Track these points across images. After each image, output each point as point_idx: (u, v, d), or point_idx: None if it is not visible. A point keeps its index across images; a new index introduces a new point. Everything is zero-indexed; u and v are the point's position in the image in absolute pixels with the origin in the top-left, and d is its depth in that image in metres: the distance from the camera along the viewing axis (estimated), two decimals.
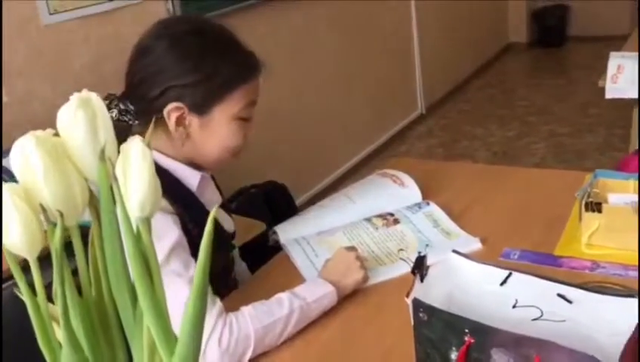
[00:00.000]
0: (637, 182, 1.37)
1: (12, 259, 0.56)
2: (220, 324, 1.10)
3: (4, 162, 1.66)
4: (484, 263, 1.04)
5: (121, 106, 1.20)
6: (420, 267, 1.01)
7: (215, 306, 1.11)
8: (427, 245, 1.41)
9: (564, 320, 0.93)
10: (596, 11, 6.36)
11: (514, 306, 0.97)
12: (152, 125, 0.69)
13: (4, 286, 1.08)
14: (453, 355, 0.89)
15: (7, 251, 0.56)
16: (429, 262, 1.03)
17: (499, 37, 6.54)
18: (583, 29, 6.45)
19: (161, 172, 1.20)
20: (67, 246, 0.57)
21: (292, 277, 1.35)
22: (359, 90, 4.06)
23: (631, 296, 0.91)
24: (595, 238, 1.32)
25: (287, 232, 1.53)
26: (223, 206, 1.44)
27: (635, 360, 0.83)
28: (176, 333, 0.59)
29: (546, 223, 1.45)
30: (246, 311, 1.14)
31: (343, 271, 1.28)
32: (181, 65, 1.19)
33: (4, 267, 0.63)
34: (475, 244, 1.39)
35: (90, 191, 0.60)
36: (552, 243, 1.36)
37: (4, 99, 2.11)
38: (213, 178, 1.41)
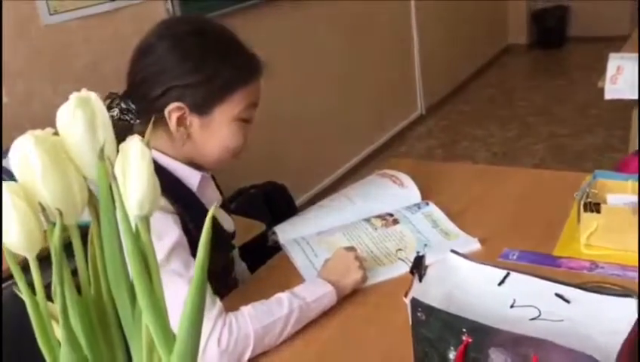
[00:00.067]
0: (635, 182, 1.37)
1: (12, 258, 0.57)
2: (219, 324, 1.10)
3: (4, 162, 1.67)
4: (483, 263, 1.05)
5: (123, 105, 1.21)
6: (418, 267, 1.01)
7: (215, 306, 1.12)
8: (426, 245, 1.41)
9: (561, 320, 0.93)
10: (596, 12, 6.36)
11: (512, 306, 0.97)
12: (150, 125, 0.69)
13: (4, 285, 1.08)
14: (452, 355, 0.90)
15: (6, 250, 0.57)
16: (427, 262, 1.03)
17: (499, 38, 6.54)
18: (582, 29, 6.45)
19: (162, 171, 1.21)
20: (67, 248, 0.57)
21: (291, 277, 1.35)
22: (359, 91, 4.06)
23: (628, 295, 0.91)
24: (593, 239, 1.32)
25: (286, 232, 1.53)
26: (223, 206, 1.44)
27: (632, 360, 0.84)
28: (176, 333, 0.59)
29: (545, 224, 1.45)
30: (245, 310, 1.14)
31: (342, 271, 1.28)
32: (182, 66, 1.20)
33: (4, 266, 0.63)
34: (474, 245, 1.39)
35: (90, 191, 0.60)
36: (551, 243, 1.37)
37: (4, 99, 2.11)
38: (213, 178, 1.42)
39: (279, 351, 1.16)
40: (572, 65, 6.29)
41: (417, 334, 0.94)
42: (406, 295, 0.97)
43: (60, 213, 0.55)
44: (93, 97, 0.59)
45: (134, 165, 0.56)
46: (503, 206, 1.57)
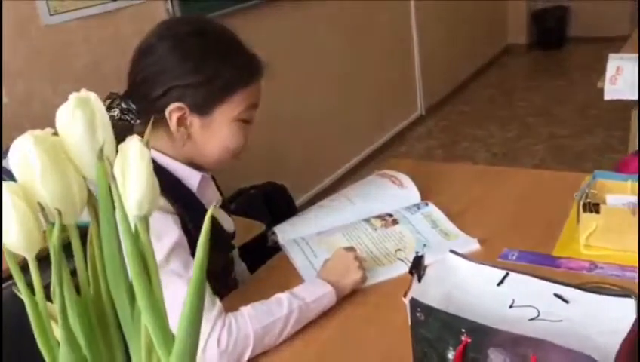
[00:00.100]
0: (635, 183, 1.37)
1: (11, 258, 0.57)
2: (219, 324, 1.10)
3: (4, 162, 1.67)
4: (482, 263, 1.05)
5: (123, 105, 1.21)
6: (417, 267, 1.01)
7: (215, 306, 1.12)
8: (425, 245, 1.41)
9: (560, 320, 0.93)
10: (596, 12, 6.35)
11: (511, 306, 0.97)
12: (150, 125, 0.69)
13: (4, 285, 1.08)
14: (450, 355, 0.90)
15: (6, 250, 0.57)
16: (426, 262, 1.03)
17: (498, 38, 6.54)
18: (582, 30, 6.45)
19: (162, 172, 1.21)
20: (66, 248, 0.57)
21: (291, 278, 1.35)
22: (359, 91, 4.06)
23: (627, 296, 0.91)
24: (593, 239, 1.32)
25: (286, 233, 1.53)
26: (223, 206, 1.44)
27: (631, 360, 0.84)
28: (175, 333, 0.59)
29: (544, 224, 1.45)
30: (245, 311, 1.14)
31: (342, 271, 1.28)
32: (183, 66, 1.20)
33: (3, 266, 0.63)
34: (473, 245, 1.39)
35: (89, 191, 0.60)
36: (550, 244, 1.37)
37: (4, 99, 2.11)
38: (213, 178, 1.42)
39: (279, 351, 1.16)
40: (572, 66, 6.29)
41: (416, 334, 0.94)
42: (405, 295, 0.97)
43: (59, 213, 0.55)
44: (93, 97, 0.59)
45: (133, 165, 0.56)
46: (502, 206, 1.57)
